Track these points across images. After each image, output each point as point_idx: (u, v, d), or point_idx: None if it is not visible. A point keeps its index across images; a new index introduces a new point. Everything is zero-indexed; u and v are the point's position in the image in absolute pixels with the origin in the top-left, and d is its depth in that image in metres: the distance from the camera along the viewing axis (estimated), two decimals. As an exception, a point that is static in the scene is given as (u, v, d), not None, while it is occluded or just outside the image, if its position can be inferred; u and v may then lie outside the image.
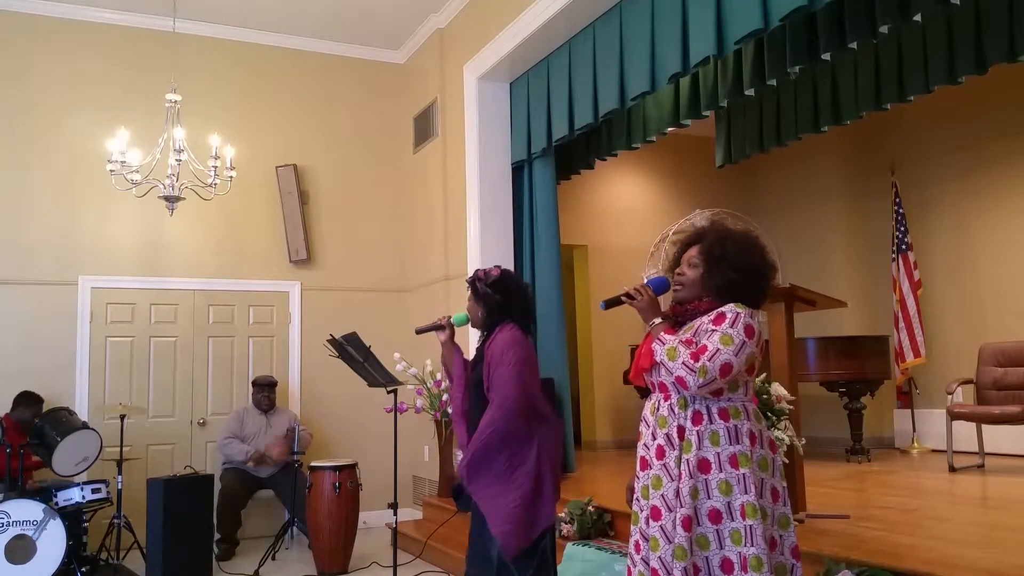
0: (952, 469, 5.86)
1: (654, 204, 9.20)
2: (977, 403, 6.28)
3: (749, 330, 2.32)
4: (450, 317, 3.32)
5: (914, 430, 7.29)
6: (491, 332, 3.15)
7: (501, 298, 3.15)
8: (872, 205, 8.08)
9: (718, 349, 2.27)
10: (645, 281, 2.52)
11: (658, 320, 2.44)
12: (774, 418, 3.89)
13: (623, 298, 2.52)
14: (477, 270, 3.26)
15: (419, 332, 3.42)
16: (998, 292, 7.03)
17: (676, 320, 2.49)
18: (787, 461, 4.00)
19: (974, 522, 4.28)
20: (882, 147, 7.91)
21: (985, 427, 6.09)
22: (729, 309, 2.35)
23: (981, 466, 6.03)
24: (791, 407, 3.99)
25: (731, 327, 2.30)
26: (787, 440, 3.86)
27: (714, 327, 2.33)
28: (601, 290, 8.56)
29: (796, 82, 6.13)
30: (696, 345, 2.32)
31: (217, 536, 5.89)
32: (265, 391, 6.44)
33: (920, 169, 7.63)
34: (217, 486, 6.00)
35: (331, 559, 5.42)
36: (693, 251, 2.49)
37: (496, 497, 2.92)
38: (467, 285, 3.27)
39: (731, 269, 2.39)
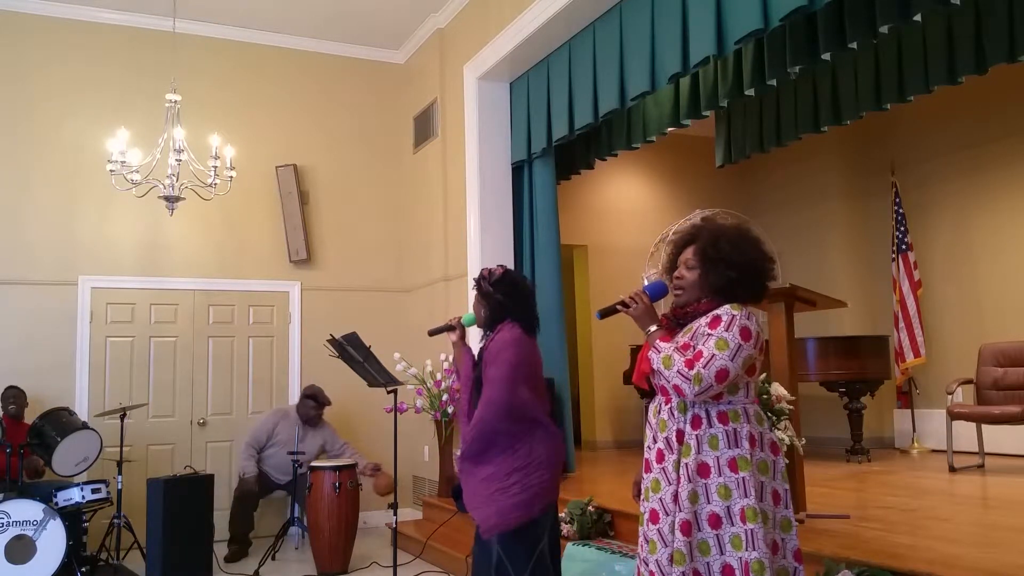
0: (952, 469, 5.86)
1: (654, 204, 9.19)
2: (977, 403, 6.28)
3: (745, 332, 2.28)
4: (460, 318, 3.37)
5: (914, 430, 7.29)
6: (493, 331, 3.20)
7: (503, 297, 3.20)
8: (872, 205, 8.07)
9: (713, 355, 2.24)
10: (645, 282, 2.52)
11: (654, 327, 2.42)
12: (774, 418, 3.89)
13: (618, 306, 2.52)
14: (483, 269, 3.32)
15: (431, 334, 3.48)
16: (998, 292, 7.02)
17: (678, 321, 2.47)
18: (787, 461, 3.97)
19: (974, 522, 4.28)
20: (882, 147, 7.90)
21: (985, 427, 6.09)
22: (724, 311, 2.32)
23: (981, 466, 6.03)
24: (791, 407, 3.98)
25: (726, 331, 2.28)
26: (787, 440, 3.86)
27: (710, 331, 2.30)
28: (601, 290, 8.56)
29: (796, 82, 6.13)
30: (693, 350, 2.30)
31: (227, 536, 5.87)
32: (317, 408, 6.19)
33: (920, 169, 7.62)
34: (233, 484, 5.96)
35: (331, 559, 5.42)
36: (688, 252, 2.46)
37: (486, 481, 3.01)
38: (474, 285, 3.33)
39: (729, 268, 2.35)
